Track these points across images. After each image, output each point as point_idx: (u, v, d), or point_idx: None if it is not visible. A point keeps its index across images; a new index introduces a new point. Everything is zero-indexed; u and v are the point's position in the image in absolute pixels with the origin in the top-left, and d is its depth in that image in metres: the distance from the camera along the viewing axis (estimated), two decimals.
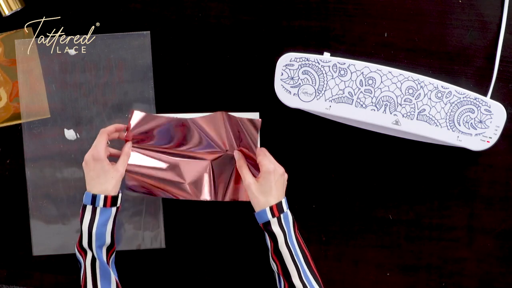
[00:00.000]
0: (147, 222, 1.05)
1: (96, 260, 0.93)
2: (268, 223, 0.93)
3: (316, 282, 0.92)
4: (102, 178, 0.94)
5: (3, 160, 1.05)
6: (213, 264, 1.06)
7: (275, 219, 0.92)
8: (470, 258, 1.04)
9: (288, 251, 0.92)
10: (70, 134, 1.04)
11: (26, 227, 1.05)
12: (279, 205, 0.93)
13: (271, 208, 0.92)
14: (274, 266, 0.94)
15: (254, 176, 0.96)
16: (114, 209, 0.94)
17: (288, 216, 0.94)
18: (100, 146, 0.95)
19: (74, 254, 0.98)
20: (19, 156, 1.04)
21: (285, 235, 0.92)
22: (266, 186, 0.94)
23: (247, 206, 1.03)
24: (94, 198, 0.93)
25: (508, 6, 0.99)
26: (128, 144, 0.99)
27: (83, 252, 0.94)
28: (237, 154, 0.99)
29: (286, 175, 0.97)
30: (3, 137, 1.05)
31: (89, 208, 0.93)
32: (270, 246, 0.93)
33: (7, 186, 1.05)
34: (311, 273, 0.92)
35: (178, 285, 1.06)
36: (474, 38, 1.00)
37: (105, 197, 0.93)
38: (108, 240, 0.94)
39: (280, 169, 0.95)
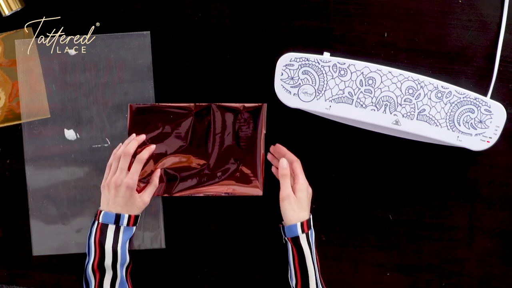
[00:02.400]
0: (147, 222, 1.05)
1: (117, 279, 0.94)
2: (297, 238, 0.94)
3: None
4: (129, 206, 0.96)
5: (3, 160, 1.05)
6: (213, 264, 1.06)
7: (304, 234, 0.94)
8: (470, 258, 1.04)
9: (313, 266, 0.94)
10: (70, 134, 1.04)
11: (26, 227, 1.05)
12: (308, 221, 0.95)
13: (301, 224, 0.94)
14: (293, 279, 0.95)
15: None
16: (134, 228, 0.97)
17: (313, 233, 0.96)
18: (136, 175, 0.96)
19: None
20: (19, 156, 1.04)
21: (311, 251, 0.94)
22: (303, 202, 0.96)
23: (248, 205, 1.04)
24: (118, 217, 0.94)
25: (508, 6, 0.99)
26: (157, 173, 1.01)
27: (100, 272, 0.94)
28: (284, 162, 0.97)
29: (311, 190, 1.00)
30: (3, 137, 1.05)
31: (111, 227, 0.94)
32: (294, 259, 0.94)
33: (7, 186, 1.05)
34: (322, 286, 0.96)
35: (178, 285, 1.06)
36: (474, 38, 1.00)
37: (129, 216, 0.95)
38: (128, 258, 0.96)
39: (309, 187, 0.99)
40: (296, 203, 0.95)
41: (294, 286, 0.95)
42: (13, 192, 1.05)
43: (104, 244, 0.93)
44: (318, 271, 0.95)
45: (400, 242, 1.04)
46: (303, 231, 0.94)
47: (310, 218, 0.96)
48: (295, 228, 0.94)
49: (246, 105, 1.01)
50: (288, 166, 0.97)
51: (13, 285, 1.07)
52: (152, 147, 1.01)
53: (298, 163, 0.99)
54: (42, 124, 1.04)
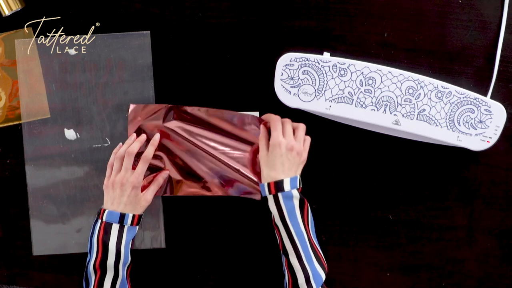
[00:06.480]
0: (147, 222, 1.05)
1: (119, 278, 0.94)
2: (265, 198, 0.93)
3: (321, 267, 0.92)
4: (133, 205, 0.96)
5: (3, 160, 1.05)
6: (213, 264, 1.06)
7: (271, 196, 0.92)
8: (470, 258, 1.04)
9: (285, 229, 0.92)
10: (70, 134, 1.04)
11: (26, 227, 1.05)
12: (278, 182, 0.92)
13: (268, 185, 0.92)
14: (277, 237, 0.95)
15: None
16: (137, 228, 0.97)
17: (291, 196, 0.92)
18: (142, 175, 0.96)
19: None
20: (19, 156, 1.04)
21: (283, 214, 0.92)
22: (270, 160, 0.93)
23: (248, 205, 1.04)
24: (122, 216, 0.94)
25: (508, 6, 0.99)
26: (164, 174, 1.01)
27: (101, 271, 0.93)
28: (262, 128, 0.98)
29: (303, 155, 0.95)
30: (3, 137, 1.05)
31: (115, 227, 0.94)
32: (271, 216, 0.94)
33: (7, 186, 1.05)
34: (316, 260, 0.92)
35: (178, 285, 1.06)
36: (474, 38, 1.00)
37: (133, 216, 0.95)
38: (130, 258, 0.96)
39: (291, 145, 0.93)
40: (265, 162, 0.94)
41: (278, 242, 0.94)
42: (13, 192, 1.05)
43: (108, 243, 0.93)
44: (306, 233, 0.92)
45: (400, 242, 1.04)
46: (269, 192, 0.92)
47: (282, 180, 0.92)
48: (262, 188, 0.93)
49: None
50: (264, 130, 0.97)
51: (13, 285, 1.07)
52: (156, 139, 1.00)
53: (274, 121, 0.95)
54: (42, 124, 1.04)
